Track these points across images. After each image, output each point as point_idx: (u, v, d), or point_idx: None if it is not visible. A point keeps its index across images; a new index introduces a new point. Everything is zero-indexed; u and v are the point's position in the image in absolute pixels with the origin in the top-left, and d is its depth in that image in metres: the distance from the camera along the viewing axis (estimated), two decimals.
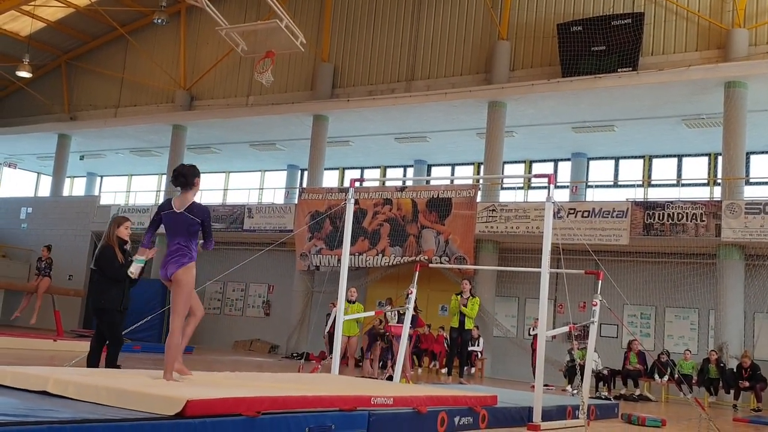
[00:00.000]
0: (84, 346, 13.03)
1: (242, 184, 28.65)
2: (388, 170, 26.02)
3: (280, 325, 22.30)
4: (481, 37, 21.19)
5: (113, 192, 29.84)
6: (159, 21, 23.19)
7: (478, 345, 18.23)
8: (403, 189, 20.01)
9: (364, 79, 22.85)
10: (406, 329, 10.16)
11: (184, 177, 6.24)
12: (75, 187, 32.53)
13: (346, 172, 26.60)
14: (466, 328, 13.97)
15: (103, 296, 7.66)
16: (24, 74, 25.46)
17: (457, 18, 21.64)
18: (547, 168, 23.05)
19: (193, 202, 6.25)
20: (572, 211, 17.45)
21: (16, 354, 12.34)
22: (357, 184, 9.52)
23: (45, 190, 31.17)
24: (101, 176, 32.32)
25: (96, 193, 31.07)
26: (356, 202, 9.21)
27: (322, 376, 8.66)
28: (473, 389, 9.58)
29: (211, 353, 18.98)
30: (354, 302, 13.77)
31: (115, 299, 7.65)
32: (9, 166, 31.45)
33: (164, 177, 26.68)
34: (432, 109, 20.50)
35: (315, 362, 15.23)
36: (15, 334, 15.34)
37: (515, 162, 23.37)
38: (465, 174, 24.33)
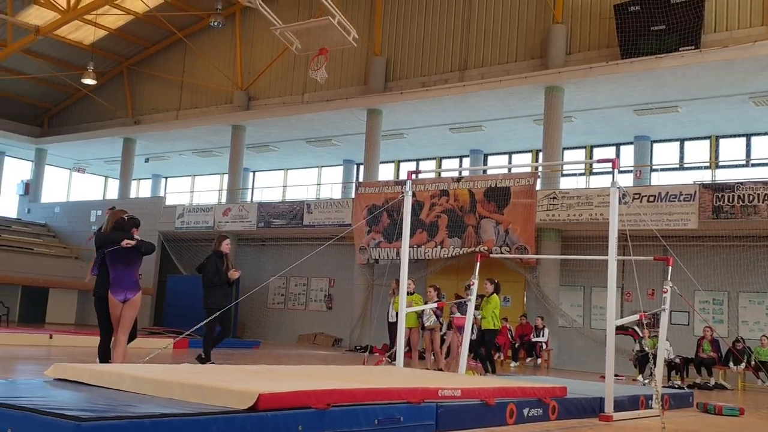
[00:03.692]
0: (156, 344, 13.37)
1: (300, 180, 28.93)
2: (444, 161, 25.89)
3: (343, 319, 22.47)
4: (535, 22, 20.88)
5: (178, 192, 30.51)
6: (215, 24, 23.58)
7: (543, 336, 18.01)
8: (459, 179, 19.89)
9: (416, 70, 22.78)
10: (469, 321, 10.09)
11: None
12: (141, 189, 33.37)
13: (402, 164, 26.58)
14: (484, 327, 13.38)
15: (207, 298, 9.82)
16: (89, 81, 26.17)
17: (509, 3, 21.37)
18: (609, 152, 22.59)
19: None
20: (637, 196, 17.06)
21: (91, 352, 12.73)
22: (414, 176, 9.48)
23: (113, 192, 32.07)
24: (166, 177, 33.07)
25: (161, 194, 31.83)
26: (413, 195, 9.17)
27: (388, 369, 8.68)
28: (541, 380, 9.46)
29: (276, 347, 19.24)
30: (412, 294, 13.74)
31: (218, 300, 9.63)
32: (78, 171, 32.46)
33: (226, 176, 27.12)
34: (487, 98, 20.29)
35: (379, 355, 15.30)
36: (89, 333, 15.83)
37: (575, 148, 22.98)
38: (523, 162, 24.04)
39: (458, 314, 12.73)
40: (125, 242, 7.57)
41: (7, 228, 28.48)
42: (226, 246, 10.32)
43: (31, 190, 31.06)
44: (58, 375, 5.66)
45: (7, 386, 5.29)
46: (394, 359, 14.02)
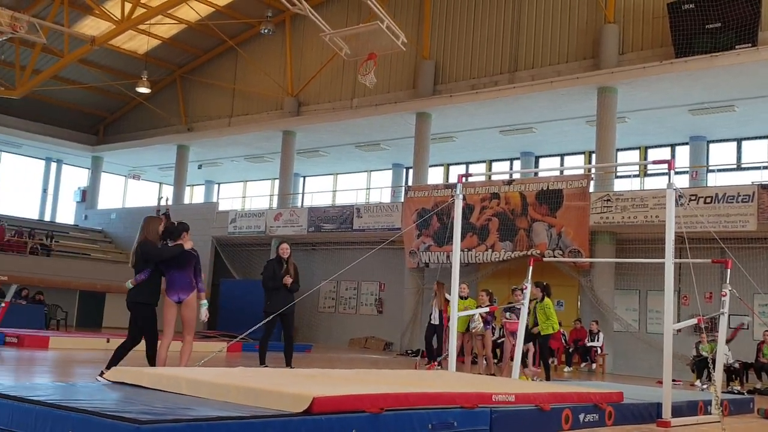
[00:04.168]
0: (210, 347, 13.57)
1: (350, 184, 29.08)
2: (494, 164, 25.71)
3: (393, 323, 22.47)
4: (587, 22, 20.61)
5: (230, 198, 30.97)
6: (266, 31, 23.86)
7: (597, 340, 17.73)
8: (510, 182, 19.72)
9: (466, 73, 22.70)
10: (522, 325, 9.99)
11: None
12: (195, 195, 33.96)
13: (451, 168, 26.49)
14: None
15: (265, 302, 10.14)
16: (143, 90, 26.71)
17: (560, 4, 21.14)
18: (664, 153, 22.13)
19: None
20: (694, 198, 16.67)
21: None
22: (464, 179, 9.43)
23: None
24: (218, 183, 33.60)
25: (214, 199, 32.35)
26: (463, 198, 9.13)
27: (440, 373, 8.64)
28: (597, 386, 9.30)
29: (328, 351, 19.35)
30: (466, 298, 13.65)
31: (273, 304, 9.96)
32: (133, 178, 33.16)
33: (277, 182, 27.42)
34: (538, 99, 20.09)
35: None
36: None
37: (629, 149, 22.58)
38: (575, 164, 23.72)
39: (511, 319, 12.60)
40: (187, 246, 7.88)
41: (65, 234, 29.28)
42: (281, 251, 10.49)
43: (87, 197, 31.86)
44: (117, 378, 5.79)
45: (68, 389, 5.43)
46: (433, 362, 14.01)
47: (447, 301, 14.54)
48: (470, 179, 20.35)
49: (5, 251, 24.93)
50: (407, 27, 22.22)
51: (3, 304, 15.47)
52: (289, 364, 10.37)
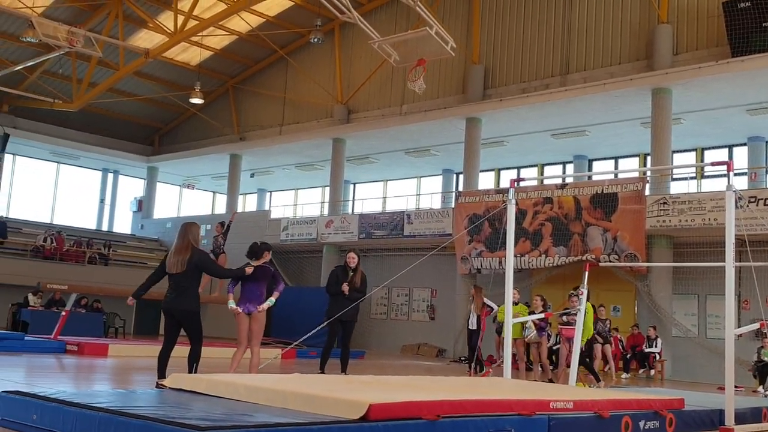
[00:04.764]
0: (265, 353, 13.71)
1: (400, 191, 29.11)
2: (546, 168, 25.45)
3: (446, 329, 22.37)
4: (639, 22, 20.27)
5: (282, 206, 31.29)
6: (315, 40, 24.08)
7: (656, 346, 17.36)
8: (563, 186, 19.48)
9: (516, 77, 22.54)
10: (578, 331, 9.85)
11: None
12: (248, 203, 34.43)
13: (502, 172, 26.31)
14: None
15: (328, 308, 10.20)
16: (196, 101, 27.33)
17: (611, 5, 20.85)
18: (721, 155, 21.59)
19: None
20: (753, 200, 16.22)
21: (206, 363, 13.18)
22: (516, 183, 9.35)
23: (221, 207, 33.22)
24: (270, 191, 33.99)
25: (267, 207, 32.75)
26: (516, 203, 9.04)
27: (496, 380, 8.57)
28: (656, 392, 9.11)
29: (380, 357, 19.36)
30: (516, 304, 13.53)
31: (331, 310, 10.14)
32: (188, 187, 33.81)
33: (327, 189, 27.62)
34: (590, 102, 19.82)
35: (485, 366, 15.15)
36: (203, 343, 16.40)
37: (685, 150, 22.09)
38: (630, 166, 23.31)
39: (566, 325, 12.44)
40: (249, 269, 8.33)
41: (123, 243, 29.97)
42: (348, 259, 10.47)
43: (143, 206, 32.51)
44: (175, 385, 5.88)
45: (127, 396, 5.55)
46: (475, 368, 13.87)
47: (485, 306, 14.52)
48: (522, 184, 20.17)
49: (65, 261, 25.70)
50: (456, 32, 22.18)
51: (63, 313, 15.94)
52: (344, 371, 10.41)
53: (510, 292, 9.15)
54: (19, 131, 28.56)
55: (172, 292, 7.76)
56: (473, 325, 14.54)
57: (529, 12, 22.53)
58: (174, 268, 7.75)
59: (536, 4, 22.39)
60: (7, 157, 29.39)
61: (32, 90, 27.40)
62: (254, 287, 8.45)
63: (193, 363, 7.86)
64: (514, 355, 13.03)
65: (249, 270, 8.23)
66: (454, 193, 23.61)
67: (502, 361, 9.22)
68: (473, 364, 14.29)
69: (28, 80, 27.29)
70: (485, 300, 14.79)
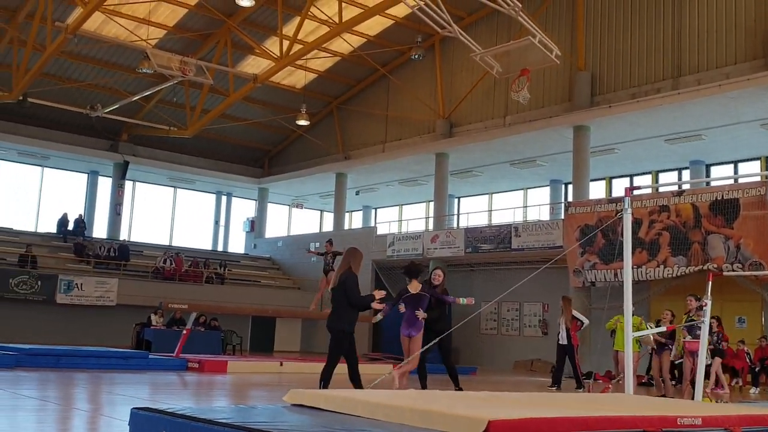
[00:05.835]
0: (376, 369, 13.82)
1: (506, 203, 28.78)
2: (661, 175, 24.55)
3: (578, 349, 21.78)
4: (755, 20, 19.33)
5: (387, 222, 31.56)
6: (416, 56, 24.22)
7: None
8: (680, 193, 18.71)
9: (625, 82, 21.92)
10: (703, 344, 9.40)
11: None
12: (354, 221, 34.95)
13: (613, 181, 25.60)
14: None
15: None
16: (303, 123, 28.11)
17: (724, 3, 19.97)
18: None
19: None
20: None
21: (318, 378, 13.42)
22: (631, 192, 9.06)
23: (328, 225, 33.88)
24: (375, 208, 34.40)
25: (372, 224, 33.15)
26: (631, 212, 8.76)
27: (617, 396, 8.28)
28: None
29: (492, 374, 19.13)
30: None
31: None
32: (297, 207, 34.75)
33: (431, 204, 27.66)
34: (705, 104, 19.02)
35: (603, 382, 14.70)
36: (315, 359, 16.71)
37: None
38: (750, 170, 22.15)
39: (690, 338, 11.91)
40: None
41: (237, 263, 31.07)
42: (434, 276, 10.74)
43: (256, 226, 33.63)
44: (295, 401, 6.01)
45: (249, 411, 5.70)
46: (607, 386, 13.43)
47: (575, 319, 14.09)
48: (636, 192, 19.53)
49: (183, 281, 26.84)
50: (560, 38, 21.81)
51: (184, 331, 16.60)
52: (458, 387, 10.38)
53: (629, 305, 8.84)
54: (138, 159, 30.18)
55: (331, 311, 8.47)
56: (563, 340, 14.15)
57: (636, 15, 21.89)
58: (332, 284, 8.61)
59: (644, 6, 21.73)
60: (128, 184, 31.14)
61: (149, 119, 28.93)
62: (413, 312, 9.39)
63: (354, 381, 8.25)
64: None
65: (378, 294, 8.69)
66: (563, 204, 23.12)
67: (622, 377, 8.91)
68: (575, 381, 13.94)
69: (144, 109, 28.78)
70: (574, 313, 14.44)
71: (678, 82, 20.49)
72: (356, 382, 8.29)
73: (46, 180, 30.25)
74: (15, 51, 24.34)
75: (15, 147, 27.82)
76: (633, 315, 12.99)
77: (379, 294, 8.63)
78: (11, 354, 12.70)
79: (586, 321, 14.44)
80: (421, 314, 9.46)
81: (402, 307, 9.35)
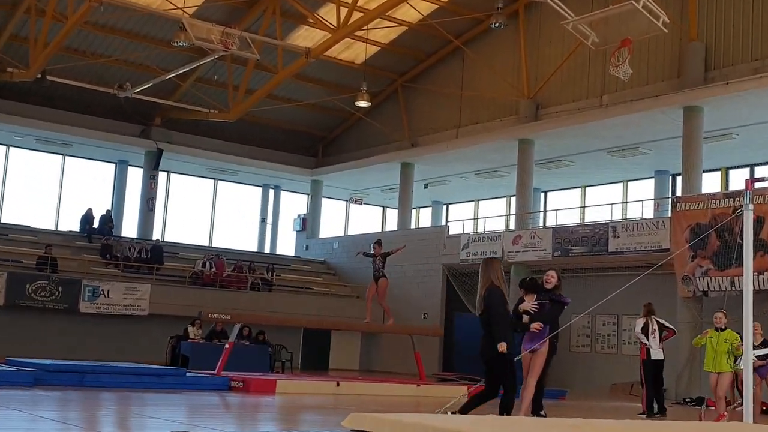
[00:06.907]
0: (447, 391, 13.90)
1: (602, 198, 28.46)
2: None
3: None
4: None
5: (461, 220, 31.52)
6: (496, 25, 24.06)
7: None
8: None
9: (745, 54, 21.47)
10: None
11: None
12: (421, 219, 35.00)
13: (731, 172, 25.16)
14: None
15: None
16: (363, 104, 27.99)
17: None
18: None
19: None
20: None
21: (380, 401, 13.57)
22: (753, 185, 8.90)
23: (392, 224, 33.92)
24: (447, 204, 34.41)
25: (443, 222, 33.16)
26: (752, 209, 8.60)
27: (735, 426, 8.18)
28: None
29: (586, 398, 19.00)
30: (723, 329, 12.78)
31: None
32: (355, 202, 34.46)
33: (513, 199, 27.52)
34: None
35: (714, 408, 14.44)
36: (377, 379, 16.92)
37: None
38: None
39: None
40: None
41: (287, 267, 31.38)
42: (547, 278, 10.76)
43: (308, 225, 33.68)
44: (356, 426, 6.13)
45: None
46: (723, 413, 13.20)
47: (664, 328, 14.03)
48: (760, 185, 19.07)
49: (226, 288, 27.13)
50: (668, 3, 21.43)
51: (226, 346, 16.82)
52: (539, 411, 10.44)
53: (749, 318, 8.69)
54: (173, 146, 30.36)
55: (482, 336, 8.86)
56: (659, 356, 14.08)
57: None
58: (476, 310, 8.97)
59: None
60: (162, 175, 31.37)
61: (186, 100, 29.28)
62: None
63: (503, 413, 8.50)
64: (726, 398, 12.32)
65: (535, 328, 9.40)
66: (670, 200, 22.77)
67: (740, 404, 8.77)
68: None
69: (180, 89, 29.09)
70: (662, 321, 14.35)
71: None
72: (507, 410, 8.72)
73: (68, 171, 30.88)
74: (32, 22, 24.53)
75: (32, 133, 28.34)
76: (726, 329, 12.75)
77: (536, 327, 9.48)
78: (29, 371, 13.07)
79: (674, 330, 14.54)
80: (538, 325, 9.69)
81: (538, 325, 9.57)
